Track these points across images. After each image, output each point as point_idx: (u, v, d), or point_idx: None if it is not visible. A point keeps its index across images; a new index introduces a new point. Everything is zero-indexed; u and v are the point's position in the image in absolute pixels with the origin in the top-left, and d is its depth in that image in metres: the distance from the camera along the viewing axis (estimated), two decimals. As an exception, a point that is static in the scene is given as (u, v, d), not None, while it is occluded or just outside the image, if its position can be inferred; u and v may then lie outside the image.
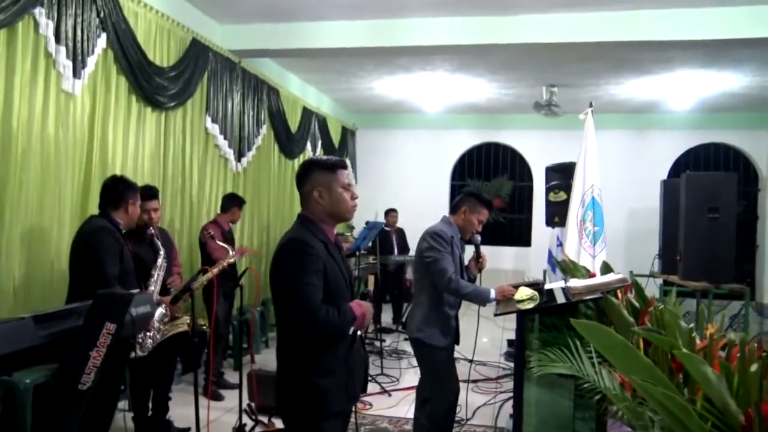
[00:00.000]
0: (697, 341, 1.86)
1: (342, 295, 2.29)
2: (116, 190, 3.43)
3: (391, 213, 8.69)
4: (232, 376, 5.26)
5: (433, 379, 3.53)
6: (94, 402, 2.83)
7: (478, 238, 3.69)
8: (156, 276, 3.74)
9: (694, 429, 1.38)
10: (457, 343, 3.62)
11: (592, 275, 3.77)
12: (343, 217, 2.39)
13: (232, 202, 5.39)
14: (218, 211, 5.53)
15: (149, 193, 3.93)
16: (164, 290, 3.91)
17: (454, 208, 3.68)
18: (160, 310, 3.68)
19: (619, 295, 2.95)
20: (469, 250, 3.69)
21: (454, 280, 3.37)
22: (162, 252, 3.81)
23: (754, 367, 1.42)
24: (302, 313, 2.16)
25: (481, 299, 3.45)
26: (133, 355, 3.48)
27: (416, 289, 3.64)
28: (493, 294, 3.44)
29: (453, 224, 3.61)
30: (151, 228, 3.89)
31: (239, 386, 4.04)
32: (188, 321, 3.85)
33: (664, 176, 9.43)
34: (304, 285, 2.16)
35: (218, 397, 4.84)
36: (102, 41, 4.28)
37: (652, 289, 5.04)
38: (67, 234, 4.02)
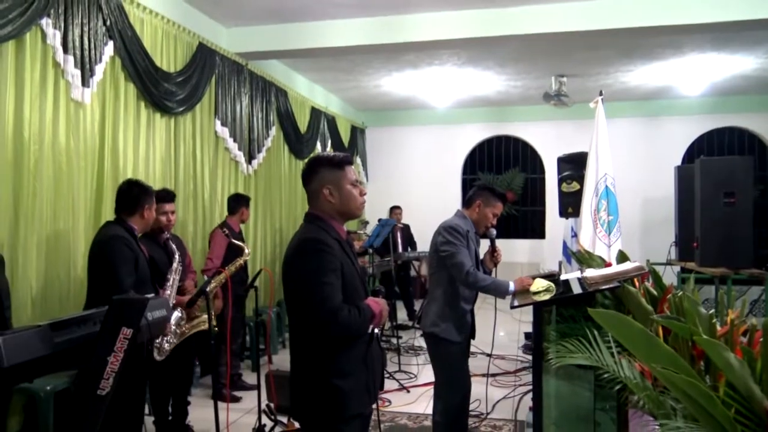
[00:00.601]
0: (718, 327, 1.83)
1: (358, 293, 2.25)
2: (131, 194, 3.41)
3: (395, 210, 8.70)
4: (250, 377, 5.29)
5: (446, 375, 3.51)
6: (122, 408, 2.86)
7: (494, 232, 3.67)
8: (171, 280, 3.76)
9: (717, 416, 1.36)
10: (473, 337, 3.60)
11: (608, 265, 3.73)
12: (353, 215, 2.35)
13: (239, 203, 5.34)
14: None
15: (167, 196, 3.96)
16: (180, 293, 3.93)
17: (468, 202, 3.65)
18: (176, 314, 3.69)
19: (637, 283, 2.91)
20: (484, 245, 3.67)
21: (472, 273, 3.34)
22: (177, 255, 3.82)
23: (777, 352, 1.40)
24: (324, 314, 2.10)
25: (500, 291, 3.41)
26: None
27: (431, 284, 3.62)
28: (512, 286, 3.40)
29: (467, 218, 3.58)
30: (166, 231, 3.91)
31: (257, 387, 4.06)
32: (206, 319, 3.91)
33: (678, 162, 9.34)
34: (324, 285, 2.11)
35: (235, 399, 4.85)
36: (109, 49, 4.30)
37: (669, 277, 4.99)
38: (82, 241, 4.05)
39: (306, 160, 2.45)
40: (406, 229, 8.71)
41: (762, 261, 6.43)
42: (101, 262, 3.26)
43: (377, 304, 2.27)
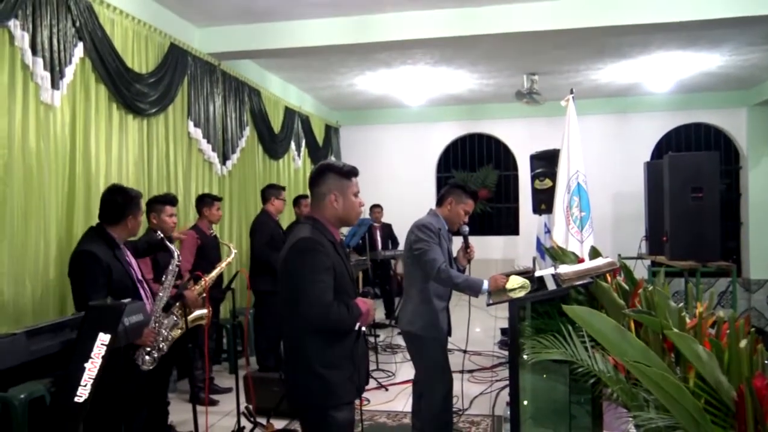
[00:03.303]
0: (687, 320, 1.88)
1: (348, 292, 2.40)
2: (115, 204, 3.19)
3: (375, 209, 8.74)
4: (227, 380, 5.26)
5: (427, 372, 3.55)
6: (102, 415, 2.81)
7: (466, 229, 3.71)
8: (167, 283, 3.48)
9: (687, 406, 1.40)
10: (450, 334, 3.64)
11: (581, 261, 3.80)
12: (351, 223, 2.53)
13: (201, 203, 5.19)
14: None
15: (174, 200, 4.25)
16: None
17: (440, 201, 3.70)
18: (172, 319, 3.52)
19: (609, 278, 2.97)
20: (457, 242, 3.71)
21: (444, 270, 3.38)
22: (176, 254, 3.54)
23: (743, 343, 1.45)
24: (315, 309, 2.25)
25: (473, 290, 3.45)
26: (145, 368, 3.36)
27: (406, 283, 3.66)
28: (486, 285, 3.43)
29: (440, 216, 3.63)
30: (159, 233, 3.72)
31: (236, 389, 4.04)
32: (205, 314, 3.93)
33: (647, 158, 9.50)
34: (317, 282, 2.26)
35: (212, 402, 4.81)
36: (79, 50, 4.24)
37: (640, 271, 5.09)
38: (54, 246, 3.99)
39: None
40: (386, 228, 8.73)
41: (728, 253, 6.60)
42: (72, 275, 3.12)
43: (365, 303, 2.42)
